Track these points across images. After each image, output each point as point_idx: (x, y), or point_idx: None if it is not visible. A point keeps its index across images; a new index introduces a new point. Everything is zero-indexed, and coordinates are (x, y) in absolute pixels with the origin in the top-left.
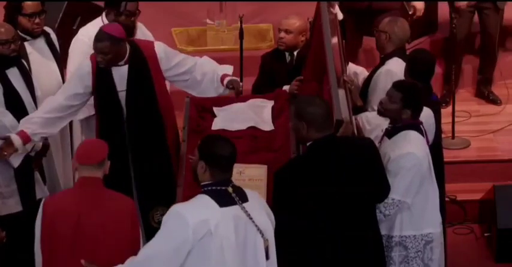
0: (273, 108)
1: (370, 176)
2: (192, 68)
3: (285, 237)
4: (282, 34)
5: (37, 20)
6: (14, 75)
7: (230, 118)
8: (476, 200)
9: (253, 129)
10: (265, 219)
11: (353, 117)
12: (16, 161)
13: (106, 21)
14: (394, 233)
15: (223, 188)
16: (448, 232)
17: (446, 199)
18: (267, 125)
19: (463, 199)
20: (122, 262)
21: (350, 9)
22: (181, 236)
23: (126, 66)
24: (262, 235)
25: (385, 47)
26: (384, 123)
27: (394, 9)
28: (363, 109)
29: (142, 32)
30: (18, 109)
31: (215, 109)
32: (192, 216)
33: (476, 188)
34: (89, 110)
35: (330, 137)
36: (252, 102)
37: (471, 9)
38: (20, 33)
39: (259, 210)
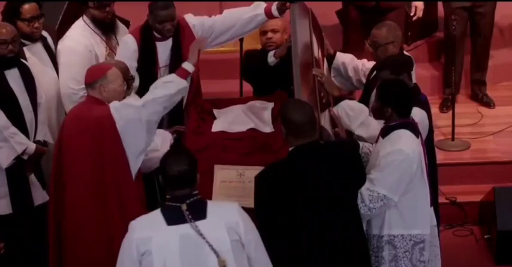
0: (273, 109)
1: (350, 180)
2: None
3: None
4: (269, 34)
5: (36, 24)
6: (13, 76)
7: (230, 120)
8: (476, 202)
9: (253, 131)
10: (223, 237)
11: (326, 111)
12: (5, 161)
13: (88, 21)
14: (383, 232)
15: (178, 204)
16: (448, 234)
17: (446, 200)
18: (267, 127)
19: (463, 201)
20: None
21: (358, 6)
22: (128, 249)
23: (170, 40)
24: (217, 255)
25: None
26: (367, 109)
27: (401, 7)
28: (342, 99)
29: (125, 31)
30: (13, 111)
31: (215, 111)
32: (139, 231)
33: (476, 190)
34: None
35: (311, 143)
36: (252, 103)
37: (466, 5)
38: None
39: (217, 228)
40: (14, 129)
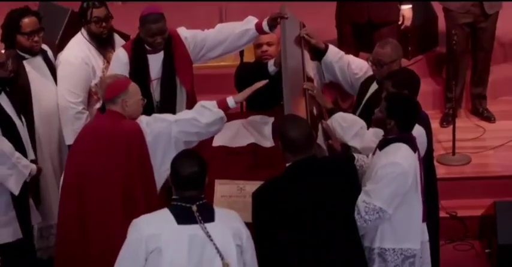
0: (273, 124)
1: (347, 195)
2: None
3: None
4: (265, 47)
5: (36, 38)
6: (3, 100)
7: (231, 135)
8: (476, 216)
9: (253, 146)
10: (229, 241)
11: (319, 124)
12: (17, 187)
13: (85, 34)
14: (374, 245)
15: (188, 205)
16: (449, 248)
17: (447, 215)
18: (268, 141)
19: (464, 215)
20: None
21: (351, 23)
22: (136, 245)
23: (161, 52)
24: (222, 258)
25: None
26: (360, 120)
27: (394, 22)
28: (335, 111)
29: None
30: (10, 132)
31: None
32: (147, 227)
33: (476, 204)
34: None
35: (308, 159)
36: (252, 118)
37: (467, 20)
38: (19, 52)
39: (224, 231)
40: (17, 154)
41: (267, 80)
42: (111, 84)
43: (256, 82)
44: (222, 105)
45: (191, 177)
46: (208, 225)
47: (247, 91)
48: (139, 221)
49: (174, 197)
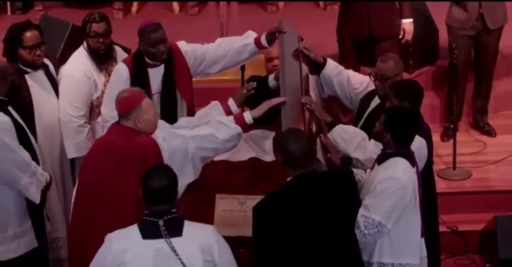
0: (274, 138)
1: (348, 210)
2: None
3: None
4: (276, 61)
5: (38, 52)
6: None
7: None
8: (477, 230)
9: (254, 160)
10: (197, 256)
11: (317, 139)
12: (37, 196)
13: (87, 48)
14: (373, 260)
15: (155, 220)
16: (449, 263)
17: (448, 229)
18: (269, 156)
19: (464, 230)
20: None
21: (352, 38)
22: (104, 259)
23: (162, 66)
24: None
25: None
26: (361, 132)
27: (395, 36)
28: (335, 124)
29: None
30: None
31: None
32: (116, 242)
33: (477, 219)
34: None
35: (309, 173)
36: (253, 133)
37: (470, 33)
38: (21, 66)
39: (191, 246)
40: (33, 162)
41: (284, 98)
42: (124, 99)
43: (274, 98)
44: (239, 121)
45: (160, 191)
46: (174, 240)
47: (265, 107)
48: (111, 235)
49: (145, 212)
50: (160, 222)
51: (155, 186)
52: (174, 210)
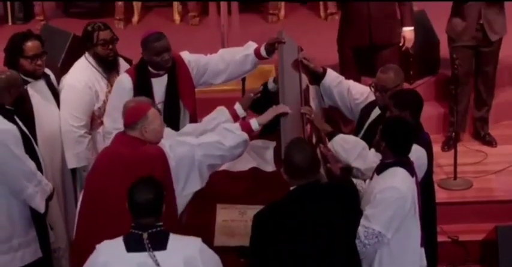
0: (275, 148)
1: (349, 221)
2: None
3: None
4: None
5: (39, 62)
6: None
7: None
8: (478, 241)
9: (255, 170)
10: None
11: (317, 149)
12: (42, 205)
13: (90, 58)
14: None
15: (140, 232)
16: None
17: (448, 239)
18: (269, 166)
19: (465, 240)
20: None
21: (353, 47)
22: None
23: (165, 76)
24: None
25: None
26: (362, 141)
27: (396, 44)
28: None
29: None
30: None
31: None
32: (102, 254)
33: (478, 229)
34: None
35: (311, 184)
36: (254, 143)
37: (470, 44)
38: (22, 76)
39: (174, 260)
40: (38, 172)
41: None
42: (131, 109)
43: (280, 106)
44: (246, 128)
45: (146, 204)
46: (158, 253)
47: (271, 113)
48: (99, 246)
49: (132, 224)
50: (145, 235)
51: (141, 199)
52: (160, 223)
